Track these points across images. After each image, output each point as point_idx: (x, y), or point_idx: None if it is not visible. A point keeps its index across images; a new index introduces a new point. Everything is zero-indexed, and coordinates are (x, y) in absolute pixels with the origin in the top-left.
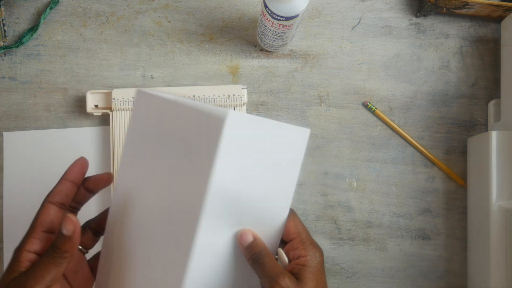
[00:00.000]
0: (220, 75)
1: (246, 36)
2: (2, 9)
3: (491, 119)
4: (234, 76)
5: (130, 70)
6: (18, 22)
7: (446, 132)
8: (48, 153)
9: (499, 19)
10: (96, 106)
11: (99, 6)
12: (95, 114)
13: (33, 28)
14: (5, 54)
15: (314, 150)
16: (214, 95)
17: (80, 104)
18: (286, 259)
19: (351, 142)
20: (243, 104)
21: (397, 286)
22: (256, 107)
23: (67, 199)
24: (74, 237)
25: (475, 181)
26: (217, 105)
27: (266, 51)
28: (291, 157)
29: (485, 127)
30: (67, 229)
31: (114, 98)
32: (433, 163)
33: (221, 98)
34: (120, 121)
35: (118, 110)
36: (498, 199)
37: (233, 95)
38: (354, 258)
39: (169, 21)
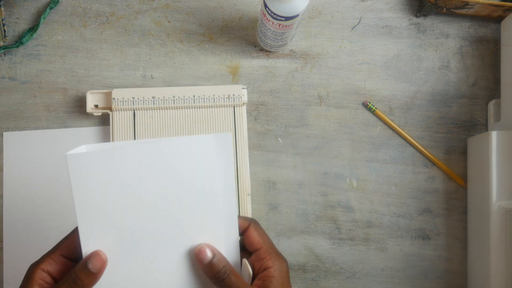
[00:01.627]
0: (220, 75)
1: (246, 36)
2: (2, 9)
3: (491, 119)
4: (234, 76)
5: (130, 70)
6: (18, 22)
7: (446, 132)
8: (48, 153)
9: (499, 19)
10: (96, 106)
11: (99, 6)
12: (95, 114)
13: (33, 28)
14: (5, 54)
15: (314, 150)
16: (214, 95)
17: (80, 104)
18: (251, 271)
19: (351, 142)
20: (243, 104)
21: (397, 286)
22: (256, 107)
23: None
24: (98, 274)
25: (475, 181)
26: (217, 105)
27: (266, 51)
28: (201, 168)
29: (485, 127)
30: (94, 266)
31: (114, 98)
32: (433, 163)
33: (221, 98)
34: (120, 121)
35: (118, 110)
36: (498, 199)
37: (233, 95)
38: (354, 258)
39: (169, 21)
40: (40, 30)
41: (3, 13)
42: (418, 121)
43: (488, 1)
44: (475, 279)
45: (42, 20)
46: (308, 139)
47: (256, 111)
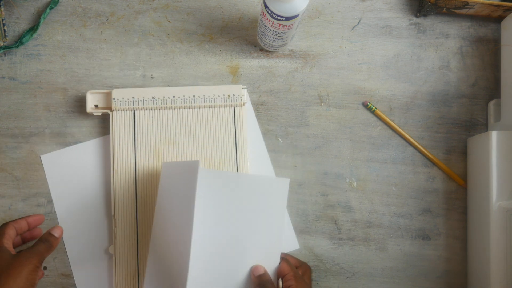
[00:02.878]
0: (220, 75)
1: (246, 36)
2: (2, 9)
3: (491, 119)
4: (234, 76)
5: (130, 70)
6: (18, 22)
7: (446, 132)
8: (82, 165)
9: (499, 19)
10: (96, 106)
11: (99, 6)
12: (95, 114)
13: (33, 28)
14: (5, 54)
15: (314, 150)
16: (214, 95)
17: (80, 104)
18: (281, 284)
19: (351, 142)
20: (243, 104)
21: (397, 286)
22: (256, 107)
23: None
24: (59, 238)
25: (475, 181)
26: (217, 105)
27: (266, 51)
28: (275, 205)
29: (485, 127)
30: (57, 233)
31: (114, 98)
32: (433, 163)
33: (221, 98)
34: (120, 121)
35: (118, 110)
36: (498, 199)
37: (233, 95)
38: (354, 258)
39: (169, 21)
40: (40, 30)
41: (3, 13)
42: (418, 121)
43: (488, 1)
44: (475, 279)
45: (42, 20)
46: (308, 139)
47: (256, 111)
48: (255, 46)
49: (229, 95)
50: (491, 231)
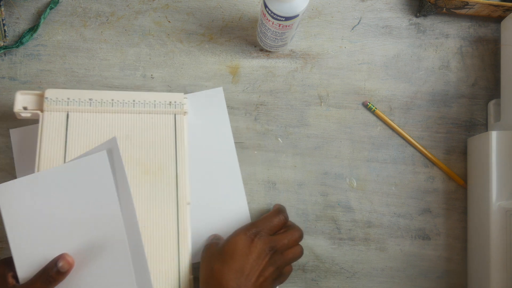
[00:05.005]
0: (220, 75)
1: (246, 36)
2: (2, 9)
3: (491, 119)
4: (234, 76)
5: (130, 70)
6: (18, 22)
7: (446, 132)
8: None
9: (499, 19)
10: (25, 108)
11: (99, 6)
12: (23, 115)
13: (33, 28)
14: (5, 54)
15: (314, 150)
16: (154, 101)
17: None
18: None
19: (351, 142)
20: (185, 113)
21: (397, 286)
22: (256, 107)
23: None
24: (66, 273)
25: (475, 181)
26: (157, 112)
27: (266, 51)
28: (101, 184)
29: (485, 127)
30: (63, 267)
31: (47, 98)
32: (433, 163)
33: (162, 104)
34: (51, 122)
35: (50, 111)
36: (498, 199)
37: (174, 102)
38: (354, 258)
39: (169, 21)
40: (40, 30)
41: (3, 13)
42: (418, 121)
43: (488, 1)
44: (475, 279)
45: (42, 20)
46: (308, 139)
47: (256, 111)
48: (255, 46)
49: (170, 102)
50: (491, 231)
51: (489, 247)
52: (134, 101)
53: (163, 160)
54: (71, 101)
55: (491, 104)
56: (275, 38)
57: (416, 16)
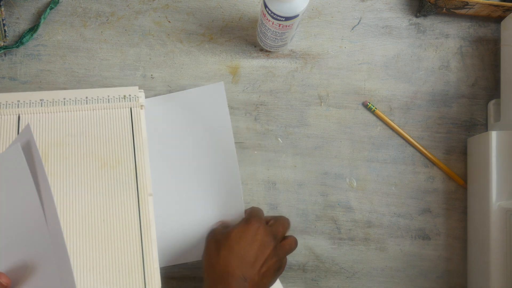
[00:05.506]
0: (220, 75)
1: (246, 36)
2: (2, 9)
3: (491, 119)
4: (234, 76)
5: (130, 70)
6: (18, 22)
7: (446, 132)
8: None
9: (499, 19)
10: None
11: (99, 6)
12: None
13: (33, 28)
14: (5, 54)
15: (314, 150)
16: (108, 96)
17: None
18: None
19: (351, 142)
20: (141, 107)
21: (397, 286)
22: (256, 107)
23: None
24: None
25: (475, 181)
26: (112, 107)
27: (266, 51)
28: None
29: (485, 127)
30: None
31: None
32: (433, 163)
33: (116, 98)
34: (1, 126)
35: (0, 115)
36: (498, 199)
37: (129, 95)
38: (354, 258)
39: (169, 21)
40: (40, 30)
41: (3, 13)
42: (418, 121)
43: (488, 1)
44: (475, 279)
45: (42, 20)
46: (308, 139)
47: (256, 111)
48: (255, 46)
49: (124, 96)
50: (491, 231)
51: (489, 247)
52: (87, 98)
53: (121, 153)
54: (21, 103)
55: (491, 104)
56: (275, 38)
57: (416, 16)
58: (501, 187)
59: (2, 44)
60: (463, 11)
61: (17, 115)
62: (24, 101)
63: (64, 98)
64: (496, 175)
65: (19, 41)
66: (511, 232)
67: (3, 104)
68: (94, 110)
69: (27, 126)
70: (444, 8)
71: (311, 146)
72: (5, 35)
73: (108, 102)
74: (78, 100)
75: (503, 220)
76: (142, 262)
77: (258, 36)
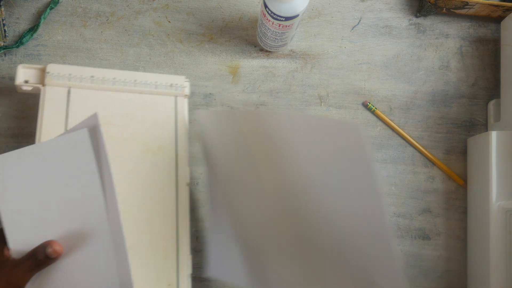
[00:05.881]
0: (220, 75)
1: (246, 36)
2: (2, 9)
3: (491, 119)
4: (234, 76)
5: (130, 70)
6: (18, 22)
7: (446, 132)
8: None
9: (499, 19)
10: (26, 82)
11: (99, 6)
12: (24, 88)
13: (33, 28)
14: (5, 54)
15: None
16: (156, 82)
17: None
18: None
19: None
20: (185, 97)
21: None
22: (256, 107)
23: None
24: (54, 260)
25: (475, 181)
26: (158, 93)
27: (266, 51)
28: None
29: (485, 127)
30: (50, 254)
31: (48, 72)
32: (433, 163)
33: (163, 85)
34: (52, 97)
35: (52, 86)
36: (498, 199)
37: (176, 84)
38: None
39: (169, 21)
40: (40, 30)
41: (3, 13)
42: (418, 121)
43: (488, 1)
44: (475, 279)
45: (42, 20)
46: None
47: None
48: (255, 46)
49: (171, 84)
50: (491, 231)
51: (489, 247)
52: (135, 80)
53: (163, 140)
54: (72, 77)
55: (491, 104)
56: (275, 38)
57: (416, 16)
58: (501, 187)
59: (2, 44)
60: (463, 11)
61: (68, 88)
62: (75, 75)
63: (114, 78)
64: (496, 175)
65: (19, 41)
66: (511, 232)
67: (55, 75)
68: (141, 94)
69: (95, 114)
70: (444, 8)
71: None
72: (5, 35)
73: (155, 87)
74: (127, 82)
75: (503, 220)
76: (176, 248)
77: (258, 36)
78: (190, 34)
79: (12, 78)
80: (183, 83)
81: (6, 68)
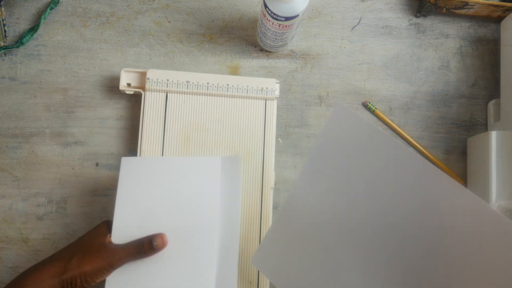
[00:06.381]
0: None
1: (246, 36)
2: (3, 9)
3: (491, 119)
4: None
5: None
6: (19, 22)
7: (446, 132)
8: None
9: (499, 19)
10: (129, 85)
11: (99, 6)
12: (127, 92)
13: (34, 28)
14: (5, 54)
15: None
16: (247, 86)
17: (81, 104)
18: None
19: None
20: (275, 98)
21: None
22: None
23: None
24: (158, 251)
25: (475, 181)
26: (249, 97)
27: (266, 51)
28: (203, 188)
29: (485, 127)
30: (157, 245)
31: (148, 78)
32: (433, 163)
33: (254, 90)
34: (152, 101)
35: (151, 91)
36: (498, 199)
37: (266, 88)
38: None
39: (169, 21)
40: (40, 30)
41: (4, 13)
42: (418, 121)
43: (487, 1)
44: None
45: (42, 20)
46: (308, 139)
47: None
48: (255, 46)
49: (262, 88)
50: None
51: None
52: (228, 85)
53: (252, 145)
54: (170, 83)
55: (491, 104)
56: (275, 38)
57: (416, 16)
58: (501, 187)
59: (2, 44)
60: (463, 11)
61: (166, 93)
62: (172, 81)
63: (208, 83)
64: (496, 175)
65: (19, 41)
66: None
67: (154, 81)
68: (233, 98)
69: (238, 156)
70: (444, 8)
71: (311, 146)
72: (5, 35)
73: (247, 92)
74: (220, 86)
75: None
76: None
77: (258, 36)
78: (190, 34)
79: (13, 78)
80: (273, 85)
81: (7, 68)
